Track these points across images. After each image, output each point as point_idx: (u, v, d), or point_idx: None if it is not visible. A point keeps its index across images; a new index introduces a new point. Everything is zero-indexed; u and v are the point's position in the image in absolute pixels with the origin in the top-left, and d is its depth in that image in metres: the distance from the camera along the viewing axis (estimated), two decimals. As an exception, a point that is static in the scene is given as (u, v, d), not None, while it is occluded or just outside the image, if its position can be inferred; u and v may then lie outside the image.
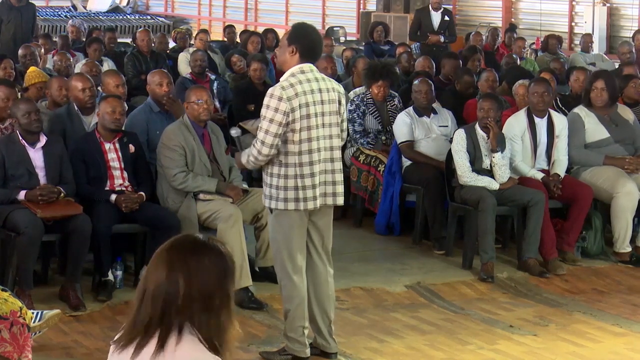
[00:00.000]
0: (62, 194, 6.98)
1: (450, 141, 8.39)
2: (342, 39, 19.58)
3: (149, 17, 27.81)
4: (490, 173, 8.07)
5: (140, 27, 17.83)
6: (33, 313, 5.54)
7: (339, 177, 6.02)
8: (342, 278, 7.31)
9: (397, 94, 9.76)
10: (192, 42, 15.07)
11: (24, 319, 4.49)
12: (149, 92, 8.23)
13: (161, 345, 2.95)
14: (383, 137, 9.30)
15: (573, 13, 19.38)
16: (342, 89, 6.12)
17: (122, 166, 7.31)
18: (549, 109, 8.48)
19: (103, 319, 6.69)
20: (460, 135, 8.13)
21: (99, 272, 7.09)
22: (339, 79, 11.19)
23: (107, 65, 11.58)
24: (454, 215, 8.29)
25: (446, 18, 14.84)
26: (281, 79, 5.92)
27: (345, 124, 6.13)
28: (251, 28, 21.56)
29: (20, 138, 7.03)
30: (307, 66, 5.89)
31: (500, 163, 8.01)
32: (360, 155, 9.18)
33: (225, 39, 16.07)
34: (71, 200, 7.02)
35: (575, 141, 8.51)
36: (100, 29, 16.75)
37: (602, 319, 7.03)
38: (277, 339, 6.38)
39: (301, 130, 5.81)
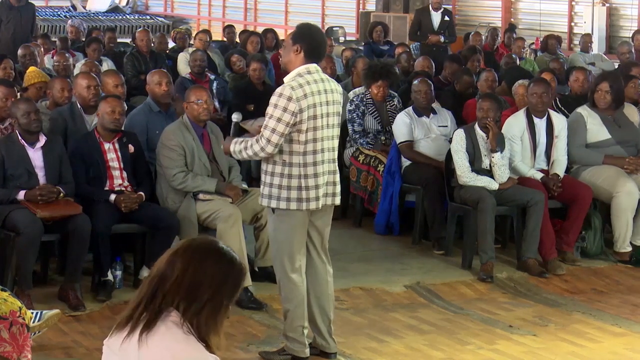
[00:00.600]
0: (61, 194, 6.98)
1: (450, 141, 8.39)
2: (342, 39, 19.59)
3: (148, 17, 27.80)
4: (489, 173, 8.07)
5: (140, 27, 17.82)
6: (32, 313, 5.54)
7: (337, 177, 6.07)
8: (341, 278, 7.31)
9: (396, 94, 9.76)
10: (191, 42, 15.07)
11: (24, 319, 4.49)
12: (148, 91, 8.23)
13: (144, 329, 3.04)
14: (382, 137, 9.30)
15: (572, 13, 19.38)
16: (341, 89, 6.14)
17: (122, 166, 7.31)
18: (548, 109, 8.48)
19: (102, 319, 6.68)
20: (459, 135, 8.13)
21: (99, 272, 7.09)
22: (338, 79, 11.19)
23: (107, 65, 11.58)
24: (453, 215, 8.29)
25: (446, 18, 14.84)
26: (287, 78, 5.90)
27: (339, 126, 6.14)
28: (250, 28, 21.55)
29: (20, 138, 7.03)
30: (313, 66, 5.90)
31: (499, 163, 8.02)
32: (360, 155, 9.18)
33: (225, 39, 16.07)
34: (70, 200, 7.02)
35: (576, 140, 8.51)
36: (100, 29, 16.76)
37: (601, 319, 7.03)
38: (276, 339, 6.38)
39: (307, 130, 5.82)
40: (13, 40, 12.34)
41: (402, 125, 8.85)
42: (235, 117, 6.64)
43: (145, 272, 7.03)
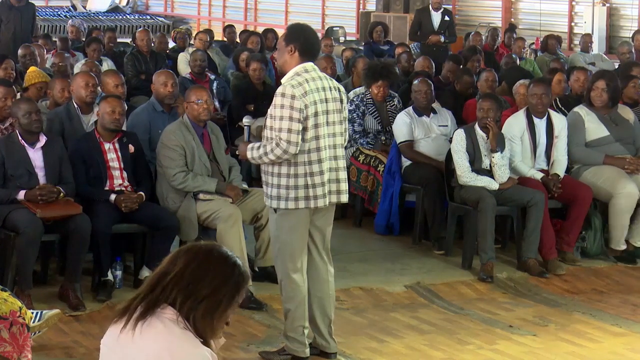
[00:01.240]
0: (61, 194, 6.98)
1: (450, 141, 8.39)
2: (342, 39, 19.59)
3: (148, 17, 27.81)
4: (489, 173, 8.07)
5: (140, 27, 17.83)
6: (33, 313, 5.54)
7: (343, 174, 6.05)
8: (341, 278, 7.31)
9: (396, 94, 9.76)
10: (191, 42, 15.07)
11: (24, 318, 4.49)
12: (153, 91, 8.23)
13: (139, 319, 3.06)
14: (382, 137, 9.30)
15: (573, 13, 19.38)
16: (342, 88, 6.14)
17: (122, 166, 7.31)
18: (548, 110, 8.48)
19: (102, 319, 6.68)
20: (459, 135, 8.13)
21: (99, 272, 7.08)
22: (338, 79, 11.19)
23: (107, 65, 11.58)
24: (453, 215, 8.29)
25: (446, 18, 14.84)
26: (285, 78, 5.91)
27: (345, 124, 6.13)
28: (251, 28, 21.56)
29: (20, 138, 7.03)
30: (310, 65, 5.91)
31: (499, 163, 8.02)
32: (360, 155, 9.18)
33: (225, 39, 16.07)
34: (71, 200, 7.02)
35: (576, 140, 8.51)
36: (100, 29, 16.76)
37: (601, 319, 7.03)
38: (276, 338, 6.38)
39: (310, 128, 5.83)
40: (13, 40, 12.34)
41: (402, 125, 8.85)
42: (247, 121, 6.57)
43: (145, 272, 7.03)
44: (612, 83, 8.65)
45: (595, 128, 8.59)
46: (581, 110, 8.67)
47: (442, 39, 14.63)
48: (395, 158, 8.86)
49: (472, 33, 15.42)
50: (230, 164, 7.67)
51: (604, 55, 15.82)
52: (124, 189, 7.28)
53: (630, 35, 15.40)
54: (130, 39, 15.61)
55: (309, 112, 5.81)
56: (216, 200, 7.27)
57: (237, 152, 7.47)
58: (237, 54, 12.44)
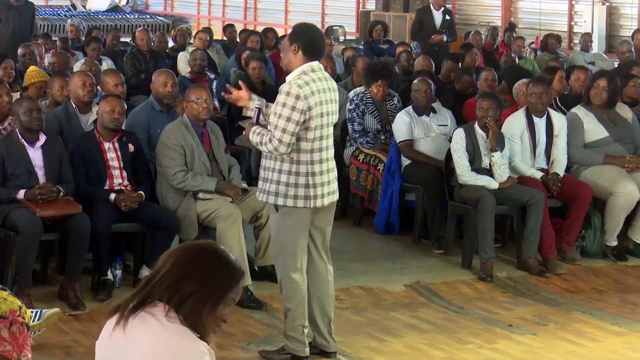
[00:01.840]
0: (61, 193, 6.98)
1: (450, 140, 8.39)
2: (342, 38, 19.58)
3: (148, 17, 27.81)
4: (489, 172, 8.07)
5: (140, 27, 17.83)
6: (32, 312, 5.54)
7: (336, 174, 6.10)
8: (341, 277, 7.31)
9: (396, 94, 9.76)
10: (191, 41, 15.06)
11: (24, 318, 4.49)
12: (152, 90, 8.22)
13: (129, 314, 3.08)
14: (382, 137, 9.30)
15: (572, 12, 19.38)
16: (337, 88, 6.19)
17: (122, 165, 7.31)
18: (548, 109, 8.48)
19: (102, 318, 6.58)
20: (459, 135, 8.13)
21: (98, 271, 7.08)
22: (338, 79, 11.20)
23: (106, 64, 11.58)
24: (453, 214, 8.29)
25: (447, 17, 14.85)
26: (291, 77, 5.88)
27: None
28: (250, 27, 21.55)
29: (20, 137, 7.02)
30: (317, 64, 5.90)
31: (499, 162, 8.01)
32: (360, 155, 9.17)
33: (225, 38, 16.07)
34: (70, 200, 7.02)
35: (575, 141, 8.51)
36: (100, 28, 16.77)
37: (601, 318, 7.03)
38: (276, 338, 6.38)
39: (315, 128, 5.84)
40: (12, 39, 12.33)
41: (402, 124, 8.84)
42: (258, 103, 6.42)
43: (145, 272, 7.03)
44: (613, 83, 8.66)
45: (594, 129, 8.59)
46: (579, 111, 8.67)
47: (445, 38, 14.64)
48: (395, 157, 8.86)
49: (472, 32, 15.43)
50: (230, 163, 7.68)
51: (604, 55, 15.82)
52: (123, 188, 7.28)
53: (630, 35, 15.41)
54: (130, 39, 15.62)
55: (314, 112, 5.81)
56: (216, 200, 7.27)
57: (221, 146, 7.50)
58: (239, 53, 12.44)
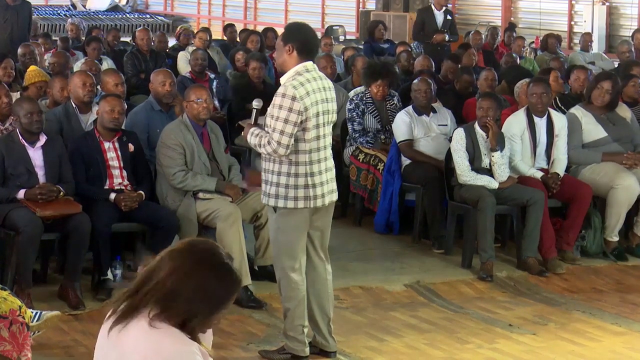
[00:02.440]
0: (61, 193, 6.98)
1: (450, 140, 8.39)
2: (342, 37, 19.58)
3: (148, 16, 27.82)
4: (489, 172, 8.07)
5: (140, 26, 17.82)
6: (32, 312, 5.53)
7: (334, 172, 6.09)
8: (341, 277, 7.31)
9: (396, 93, 9.76)
10: (192, 41, 15.06)
11: (24, 317, 4.50)
12: (151, 90, 8.22)
13: (118, 321, 3.05)
14: (382, 136, 9.30)
15: (572, 12, 19.38)
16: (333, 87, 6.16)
17: (122, 165, 7.31)
18: (549, 109, 8.48)
19: (102, 318, 6.57)
20: (459, 134, 8.13)
21: (98, 271, 7.09)
22: (338, 78, 11.19)
23: (107, 64, 11.57)
24: (453, 214, 8.29)
25: (448, 17, 14.85)
26: (285, 78, 5.88)
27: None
28: (250, 27, 21.55)
29: (20, 137, 7.02)
30: (310, 64, 5.91)
31: (499, 162, 8.02)
32: (360, 154, 9.17)
33: (226, 38, 16.06)
34: (70, 199, 7.02)
35: (573, 141, 8.52)
36: (100, 28, 16.76)
37: (601, 318, 7.03)
38: (276, 337, 6.38)
39: (312, 128, 5.84)
40: (11, 39, 12.32)
41: (402, 124, 8.84)
42: (256, 104, 6.40)
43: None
44: (617, 86, 8.68)
45: (592, 129, 8.59)
46: (577, 111, 8.68)
47: (447, 38, 14.64)
48: (395, 157, 8.86)
49: (472, 32, 15.42)
50: (230, 163, 7.68)
51: (604, 54, 15.82)
52: (123, 188, 7.28)
53: (630, 34, 15.40)
54: (130, 38, 15.61)
55: (310, 113, 5.81)
56: (216, 200, 7.27)
57: (221, 145, 7.50)
58: (233, 54, 12.44)
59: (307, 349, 6.07)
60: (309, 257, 6.06)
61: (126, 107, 7.64)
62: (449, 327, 6.78)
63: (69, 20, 17.05)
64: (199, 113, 7.39)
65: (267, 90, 10.55)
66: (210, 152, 7.48)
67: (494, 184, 8.00)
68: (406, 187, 8.82)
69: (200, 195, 7.30)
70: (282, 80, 5.91)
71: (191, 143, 7.35)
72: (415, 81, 9.13)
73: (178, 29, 16.04)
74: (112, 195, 7.16)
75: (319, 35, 15.97)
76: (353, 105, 9.33)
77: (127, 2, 28.99)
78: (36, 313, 5.88)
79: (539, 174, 8.27)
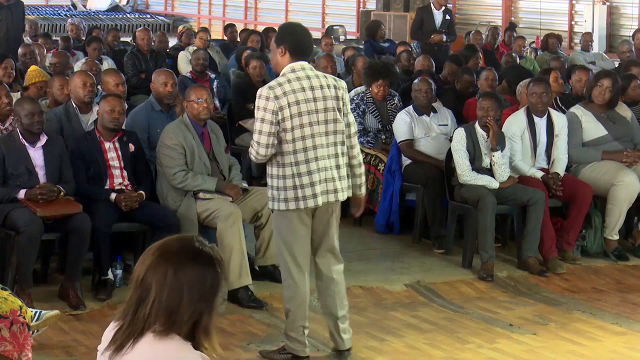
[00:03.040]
0: (61, 193, 6.98)
1: (450, 140, 8.39)
2: (342, 37, 19.58)
3: (148, 16, 27.84)
4: (489, 172, 8.07)
5: (140, 26, 17.83)
6: (32, 312, 5.53)
7: (340, 172, 5.95)
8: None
9: (397, 93, 9.76)
10: (192, 40, 15.06)
11: (24, 317, 4.49)
12: (152, 90, 8.22)
13: (122, 345, 2.98)
14: (383, 136, 9.30)
15: (573, 12, 19.39)
16: (342, 84, 6.05)
17: (122, 165, 7.32)
18: (549, 108, 8.48)
19: (103, 318, 6.68)
20: (459, 134, 8.13)
21: (99, 271, 7.09)
22: (339, 78, 11.17)
23: (107, 64, 11.57)
24: (453, 214, 8.29)
25: (447, 17, 14.85)
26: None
27: (351, 117, 6.05)
28: (251, 27, 21.56)
29: (21, 137, 7.02)
30: (298, 64, 5.88)
31: (499, 162, 8.02)
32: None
33: (226, 38, 16.07)
34: (71, 199, 7.02)
35: (573, 140, 8.52)
36: (100, 28, 16.77)
37: (601, 317, 7.03)
38: (276, 337, 6.38)
39: (293, 128, 5.80)
40: (7, 39, 12.32)
41: (403, 124, 8.84)
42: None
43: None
44: (617, 84, 8.69)
45: (593, 128, 8.60)
46: (577, 110, 8.68)
47: (445, 38, 14.63)
48: (396, 157, 8.86)
49: (473, 32, 15.43)
50: (230, 163, 7.68)
51: (604, 54, 15.82)
52: (124, 187, 7.28)
53: (631, 34, 15.41)
54: (131, 38, 15.62)
55: (286, 113, 5.78)
56: (216, 199, 7.27)
57: (221, 145, 7.50)
58: (239, 52, 12.42)
59: (308, 350, 6.07)
60: (315, 257, 6.05)
61: (126, 107, 7.64)
62: (449, 327, 6.78)
63: (69, 20, 17.06)
64: (199, 113, 7.39)
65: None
66: (210, 152, 7.48)
67: (495, 184, 8.00)
68: (406, 187, 8.82)
69: (201, 195, 7.30)
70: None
71: (191, 143, 7.35)
72: (415, 81, 9.13)
73: (180, 28, 16.05)
74: (113, 195, 7.16)
75: (319, 35, 16.02)
76: (354, 105, 9.33)
77: (127, 2, 29.01)
78: (36, 312, 5.89)
79: (539, 174, 8.27)
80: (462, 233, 8.32)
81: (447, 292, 7.52)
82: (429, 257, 8.32)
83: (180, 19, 27.46)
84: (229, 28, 16.05)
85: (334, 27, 20.03)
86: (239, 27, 17.81)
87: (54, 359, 6.06)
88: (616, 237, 8.42)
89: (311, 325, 6.18)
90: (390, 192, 8.81)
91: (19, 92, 8.64)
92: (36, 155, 7.04)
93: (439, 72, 11.38)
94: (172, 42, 15.58)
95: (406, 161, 8.83)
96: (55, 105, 8.03)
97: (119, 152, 7.32)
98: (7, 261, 6.80)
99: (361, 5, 22.95)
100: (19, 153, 7.00)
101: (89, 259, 7.14)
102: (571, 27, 19.28)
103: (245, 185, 7.69)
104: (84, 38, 14.23)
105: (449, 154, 8.27)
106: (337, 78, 6.14)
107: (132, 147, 7.37)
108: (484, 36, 15.21)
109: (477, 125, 8.15)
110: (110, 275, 7.11)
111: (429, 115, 8.92)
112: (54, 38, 14.47)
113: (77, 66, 10.26)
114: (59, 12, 27.05)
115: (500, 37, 15.54)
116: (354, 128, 6.08)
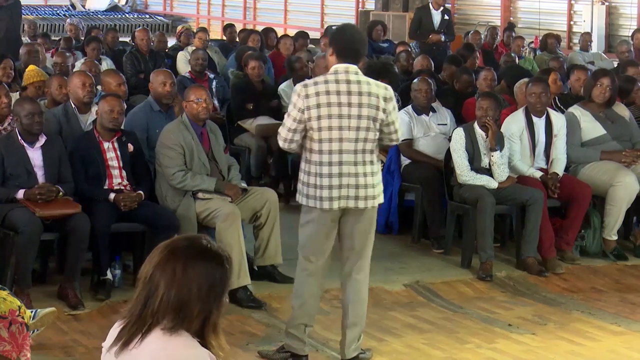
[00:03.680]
0: (60, 193, 6.98)
1: (449, 140, 8.39)
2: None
3: (147, 16, 27.82)
4: (488, 172, 8.07)
5: (139, 26, 17.82)
6: (31, 312, 5.53)
7: (366, 180, 5.85)
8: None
9: (396, 93, 9.73)
10: (191, 40, 15.05)
11: (23, 318, 4.49)
12: (151, 90, 8.21)
13: (129, 340, 3.01)
14: (382, 136, 9.28)
15: (572, 12, 19.37)
16: (389, 93, 5.94)
17: (121, 165, 7.31)
18: (547, 108, 8.48)
19: (102, 318, 6.68)
20: (458, 134, 8.13)
21: (98, 271, 7.08)
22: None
23: (106, 64, 11.57)
24: (452, 214, 8.29)
25: (446, 17, 14.85)
26: None
27: (392, 127, 5.95)
28: (250, 27, 21.55)
29: (20, 137, 7.02)
30: (343, 67, 5.86)
31: (498, 162, 8.02)
32: (359, 154, 9.15)
33: (225, 38, 16.06)
34: (70, 199, 7.02)
35: (572, 140, 8.52)
36: (99, 28, 16.76)
37: (600, 317, 7.03)
38: (275, 337, 6.38)
39: (320, 129, 5.79)
40: (6, 39, 12.31)
41: (402, 123, 8.81)
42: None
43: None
44: (615, 82, 8.69)
45: (591, 127, 8.60)
46: (576, 110, 8.69)
47: (443, 38, 14.63)
48: (395, 157, 8.86)
49: (471, 32, 15.42)
50: (230, 163, 7.67)
51: (603, 54, 15.82)
52: (123, 188, 7.28)
53: (630, 34, 15.41)
54: (130, 38, 15.61)
55: (313, 113, 5.78)
56: (215, 199, 7.27)
57: (220, 145, 7.51)
58: (239, 52, 12.41)
59: (307, 348, 6.06)
60: (341, 261, 6.02)
61: (125, 107, 7.64)
62: (448, 327, 6.78)
63: (68, 20, 17.06)
64: (198, 113, 7.39)
65: (266, 90, 10.57)
66: (209, 152, 7.48)
67: (494, 184, 8.00)
68: (405, 187, 8.82)
69: (200, 195, 7.30)
70: None
71: (190, 143, 7.35)
72: (415, 81, 9.13)
73: (179, 28, 16.04)
74: (112, 195, 7.16)
75: (318, 35, 16.01)
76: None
77: (126, 2, 28.99)
78: (33, 312, 5.88)
79: (538, 174, 8.27)
80: (461, 233, 8.32)
81: (446, 292, 7.52)
82: (428, 257, 8.32)
83: (179, 19, 27.44)
84: (228, 28, 16.04)
85: (333, 27, 20.00)
86: (238, 27, 17.79)
87: (52, 359, 6.06)
88: (615, 237, 8.42)
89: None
90: (390, 192, 8.80)
91: (18, 92, 8.64)
92: (35, 155, 7.04)
93: (437, 72, 11.38)
94: (171, 42, 15.57)
95: (405, 161, 8.83)
96: (53, 105, 8.03)
97: (118, 152, 7.31)
98: (5, 261, 6.80)
99: (360, 6, 22.94)
100: (17, 153, 6.99)
101: (88, 259, 7.13)
102: (570, 27, 19.27)
103: (244, 185, 7.69)
104: (82, 38, 14.22)
105: (448, 154, 8.28)
106: (388, 87, 6.01)
107: (131, 147, 7.37)
108: (482, 36, 15.21)
109: (476, 125, 8.15)
110: (109, 276, 7.10)
111: (428, 115, 8.92)
112: (52, 38, 14.47)
113: (77, 66, 10.25)
114: (58, 12, 27.03)
115: (499, 37, 15.53)
116: (393, 137, 5.99)
